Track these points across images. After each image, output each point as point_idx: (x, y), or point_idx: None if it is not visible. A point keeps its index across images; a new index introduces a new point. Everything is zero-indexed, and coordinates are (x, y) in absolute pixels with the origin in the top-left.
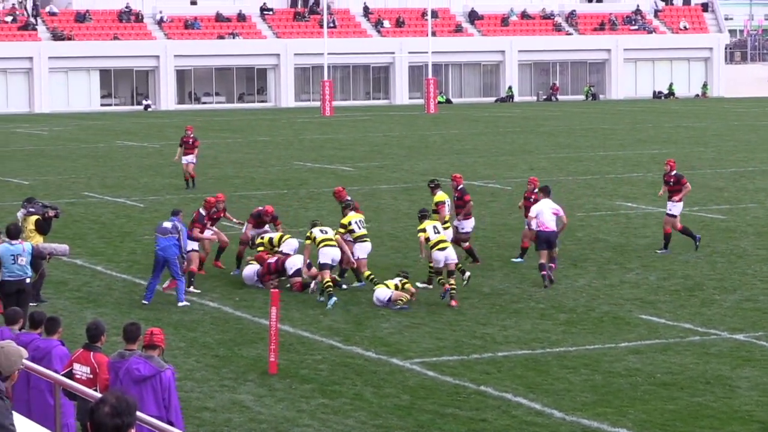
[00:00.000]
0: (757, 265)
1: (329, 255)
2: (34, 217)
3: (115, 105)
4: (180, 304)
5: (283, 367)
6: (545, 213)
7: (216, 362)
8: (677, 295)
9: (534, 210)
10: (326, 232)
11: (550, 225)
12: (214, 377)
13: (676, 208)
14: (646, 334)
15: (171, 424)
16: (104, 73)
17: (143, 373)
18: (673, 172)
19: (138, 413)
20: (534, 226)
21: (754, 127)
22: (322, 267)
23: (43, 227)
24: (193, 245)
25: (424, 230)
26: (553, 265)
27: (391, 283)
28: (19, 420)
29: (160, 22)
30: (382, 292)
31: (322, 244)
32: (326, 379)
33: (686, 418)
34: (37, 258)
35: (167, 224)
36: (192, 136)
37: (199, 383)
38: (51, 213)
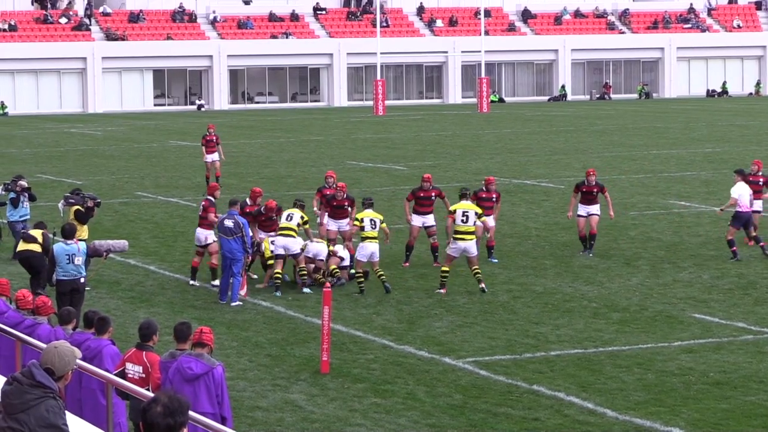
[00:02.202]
0: None
1: (280, 244)
2: (75, 207)
3: (169, 105)
4: (233, 303)
5: (336, 366)
6: (745, 195)
7: (268, 361)
8: (730, 294)
9: (735, 192)
10: (291, 219)
11: (749, 206)
12: (267, 376)
13: (596, 208)
14: (699, 333)
15: (224, 419)
16: (157, 73)
17: (195, 371)
18: (595, 181)
19: (190, 413)
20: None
21: None
22: (276, 257)
23: (82, 217)
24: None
25: (453, 212)
26: (758, 243)
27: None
28: (71, 419)
29: (213, 22)
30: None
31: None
32: (378, 378)
33: (739, 417)
34: (94, 256)
35: (229, 222)
36: (214, 134)
37: (251, 382)
38: (90, 203)
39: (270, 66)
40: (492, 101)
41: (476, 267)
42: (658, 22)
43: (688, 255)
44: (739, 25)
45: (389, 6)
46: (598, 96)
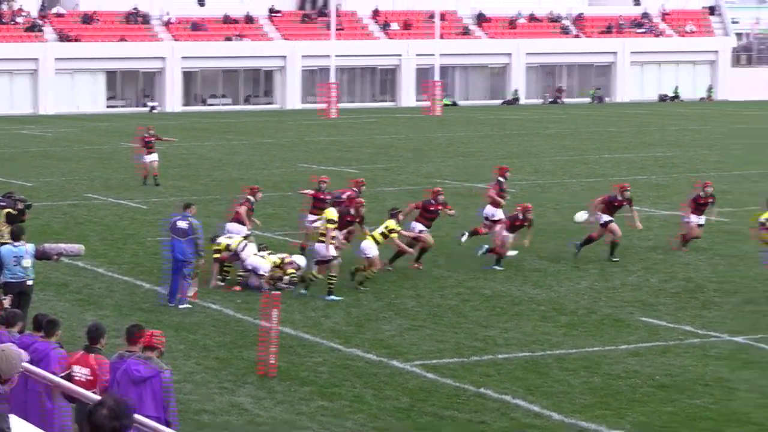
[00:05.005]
0: (758, 268)
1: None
2: (6, 210)
3: (121, 107)
4: (181, 306)
5: (283, 369)
6: None
7: (216, 364)
8: (678, 298)
9: None
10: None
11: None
12: (214, 380)
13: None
14: (646, 337)
15: (168, 424)
16: (110, 75)
17: (142, 374)
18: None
19: (135, 415)
20: None
21: (759, 131)
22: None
23: (13, 219)
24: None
25: None
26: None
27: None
28: (16, 423)
29: (167, 24)
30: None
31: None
32: (326, 381)
33: (684, 420)
34: (42, 259)
35: (182, 224)
36: (153, 134)
37: (198, 386)
38: (20, 205)
39: (223, 68)
40: (445, 104)
41: None
42: (612, 27)
43: (637, 259)
44: (692, 30)
45: (344, 9)
46: (551, 100)
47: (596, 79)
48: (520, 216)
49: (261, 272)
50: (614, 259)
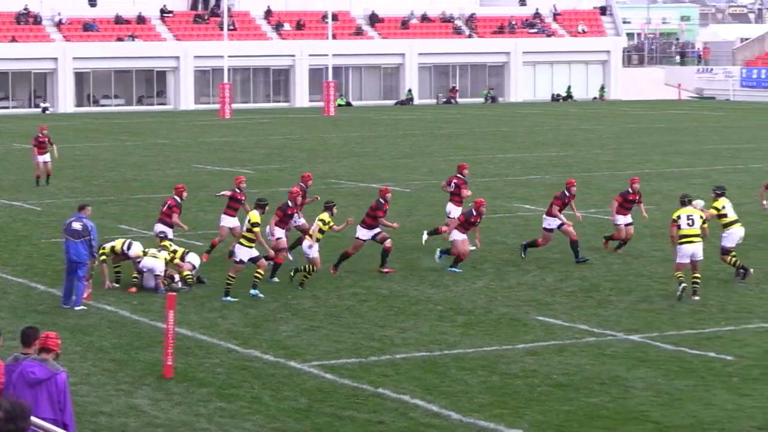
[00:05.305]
0: (652, 267)
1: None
2: None
3: (13, 108)
4: (77, 308)
5: (181, 370)
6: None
7: (112, 366)
8: (573, 297)
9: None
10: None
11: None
12: (111, 381)
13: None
14: (542, 336)
15: (65, 427)
16: (1, 76)
17: (38, 375)
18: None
19: (32, 418)
20: None
21: (651, 130)
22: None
23: None
24: (279, 233)
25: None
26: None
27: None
28: None
29: (58, 24)
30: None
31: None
32: (224, 382)
33: (582, 418)
34: None
35: (77, 225)
36: (46, 135)
37: (95, 387)
38: None
39: (116, 69)
40: (339, 105)
41: (697, 275)
42: (504, 27)
43: (532, 258)
44: (583, 30)
45: (236, 9)
46: (444, 100)
47: (489, 79)
48: (474, 212)
49: (157, 272)
50: (580, 260)
